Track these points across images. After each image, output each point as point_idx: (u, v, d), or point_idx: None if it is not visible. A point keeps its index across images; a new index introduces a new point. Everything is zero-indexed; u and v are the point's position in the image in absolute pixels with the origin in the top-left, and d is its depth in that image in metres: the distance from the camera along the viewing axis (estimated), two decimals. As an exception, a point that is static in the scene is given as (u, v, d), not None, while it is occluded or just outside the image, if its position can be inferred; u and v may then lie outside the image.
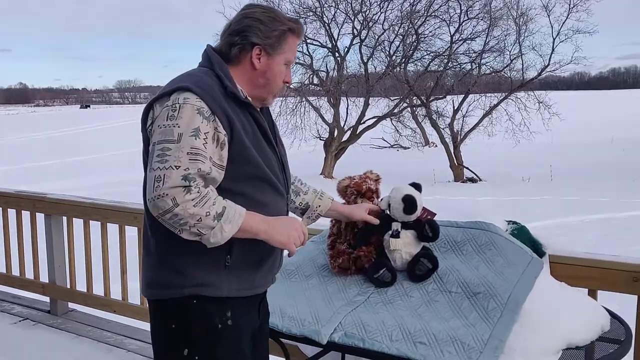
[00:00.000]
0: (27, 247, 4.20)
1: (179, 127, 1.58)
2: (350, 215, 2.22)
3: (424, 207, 2.23)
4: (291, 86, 25.99)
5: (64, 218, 3.98)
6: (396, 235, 2.19)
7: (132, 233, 3.63)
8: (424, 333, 1.87)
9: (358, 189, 2.32)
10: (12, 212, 4.26)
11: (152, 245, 1.74)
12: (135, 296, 3.70)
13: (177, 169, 1.54)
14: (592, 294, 2.33)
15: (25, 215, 4.17)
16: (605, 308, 2.11)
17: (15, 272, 4.32)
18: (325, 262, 2.34)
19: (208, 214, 1.55)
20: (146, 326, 3.69)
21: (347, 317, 2.00)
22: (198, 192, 1.55)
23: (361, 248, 2.24)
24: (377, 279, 2.17)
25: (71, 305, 4.17)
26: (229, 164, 1.66)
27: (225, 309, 1.72)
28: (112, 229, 3.75)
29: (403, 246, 2.18)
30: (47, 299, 4.19)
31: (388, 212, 2.23)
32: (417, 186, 2.26)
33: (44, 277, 4.15)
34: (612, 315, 2.11)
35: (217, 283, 1.69)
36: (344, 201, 2.33)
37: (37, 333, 3.82)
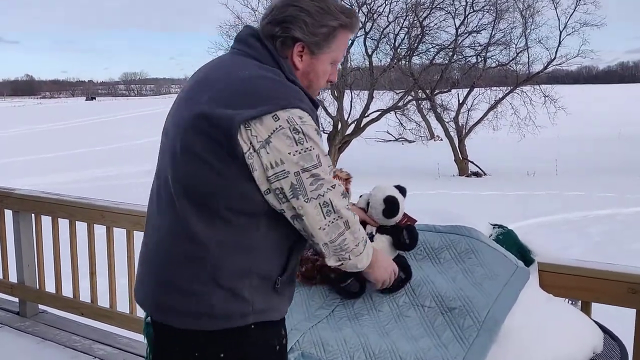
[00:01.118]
0: (-4, 245, 4.00)
1: (314, 149, 1.44)
2: None
3: (404, 213, 2.01)
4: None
5: (32, 215, 3.78)
6: (369, 239, 1.97)
7: (100, 231, 3.43)
8: (390, 354, 1.65)
9: (326, 189, 2.09)
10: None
11: (208, 261, 1.43)
12: (104, 298, 3.52)
13: (333, 188, 1.48)
14: (586, 306, 2.10)
15: (-6, 211, 3.97)
16: (599, 324, 1.88)
17: (-15, 271, 4.11)
18: (289, 269, 2.12)
19: (363, 237, 1.56)
20: (116, 330, 3.52)
21: (306, 335, 1.78)
22: (354, 215, 1.52)
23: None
24: (343, 288, 1.94)
25: (42, 306, 3.97)
26: None
27: (281, 329, 1.58)
28: (81, 226, 3.55)
29: None
30: (16, 300, 3.99)
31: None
32: (401, 190, 2.03)
33: (13, 277, 3.95)
34: (607, 332, 1.88)
35: (275, 306, 1.52)
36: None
37: (3, 337, 3.62)
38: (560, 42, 24.08)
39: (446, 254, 2.01)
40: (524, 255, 2.13)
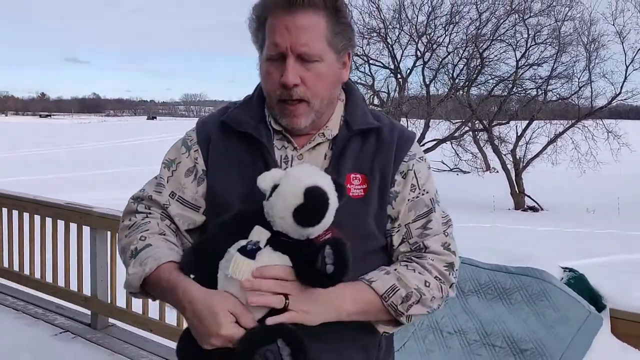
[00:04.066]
0: (73, 258, 4.23)
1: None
2: None
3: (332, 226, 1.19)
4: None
5: (108, 233, 3.99)
6: (250, 251, 1.15)
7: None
8: (462, 392, 1.69)
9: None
10: (61, 223, 4.31)
11: None
12: (172, 316, 3.66)
13: None
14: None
15: (73, 227, 4.21)
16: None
17: (61, 282, 4.36)
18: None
19: (129, 247, 1.28)
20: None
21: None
22: (134, 219, 1.33)
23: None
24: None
25: (111, 320, 4.15)
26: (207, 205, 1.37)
27: None
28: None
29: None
30: (89, 312, 4.20)
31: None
32: (337, 186, 1.20)
33: (87, 290, 4.16)
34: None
35: None
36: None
37: (75, 347, 3.81)
38: (626, 77, 23.46)
39: (517, 296, 2.04)
40: (596, 300, 2.13)
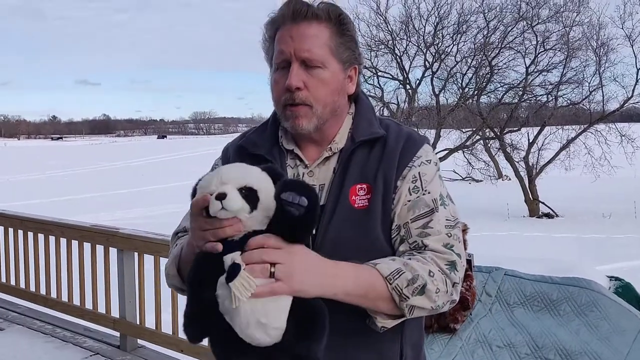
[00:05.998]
0: (100, 280, 4.23)
1: None
2: None
3: None
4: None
5: (135, 254, 3.99)
6: (232, 271, 1.09)
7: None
8: (519, 408, 1.65)
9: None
10: (87, 246, 4.32)
11: None
12: (203, 336, 3.63)
13: None
14: None
15: (100, 249, 4.21)
16: None
17: (89, 305, 4.35)
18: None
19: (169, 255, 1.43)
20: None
21: (429, 383, 1.81)
22: (171, 249, 1.44)
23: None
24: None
25: (140, 341, 4.14)
26: None
27: None
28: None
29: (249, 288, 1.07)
30: (117, 334, 4.19)
31: None
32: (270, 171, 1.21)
33: (115, 312, 4.16)
34: None
35: None
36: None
37: (106, 369, 3.80)
38: (637, 80, 23.27)
39: (566, 307, 2.00)
40: (644, 309, 2.10)
